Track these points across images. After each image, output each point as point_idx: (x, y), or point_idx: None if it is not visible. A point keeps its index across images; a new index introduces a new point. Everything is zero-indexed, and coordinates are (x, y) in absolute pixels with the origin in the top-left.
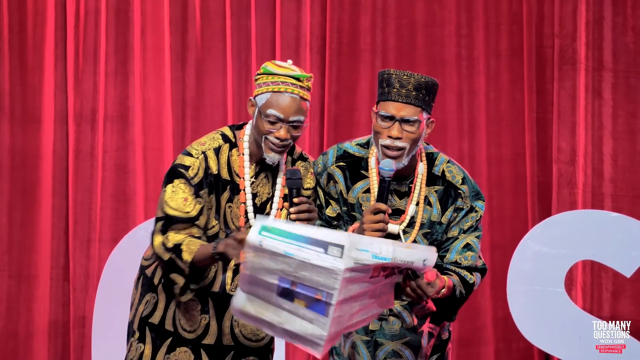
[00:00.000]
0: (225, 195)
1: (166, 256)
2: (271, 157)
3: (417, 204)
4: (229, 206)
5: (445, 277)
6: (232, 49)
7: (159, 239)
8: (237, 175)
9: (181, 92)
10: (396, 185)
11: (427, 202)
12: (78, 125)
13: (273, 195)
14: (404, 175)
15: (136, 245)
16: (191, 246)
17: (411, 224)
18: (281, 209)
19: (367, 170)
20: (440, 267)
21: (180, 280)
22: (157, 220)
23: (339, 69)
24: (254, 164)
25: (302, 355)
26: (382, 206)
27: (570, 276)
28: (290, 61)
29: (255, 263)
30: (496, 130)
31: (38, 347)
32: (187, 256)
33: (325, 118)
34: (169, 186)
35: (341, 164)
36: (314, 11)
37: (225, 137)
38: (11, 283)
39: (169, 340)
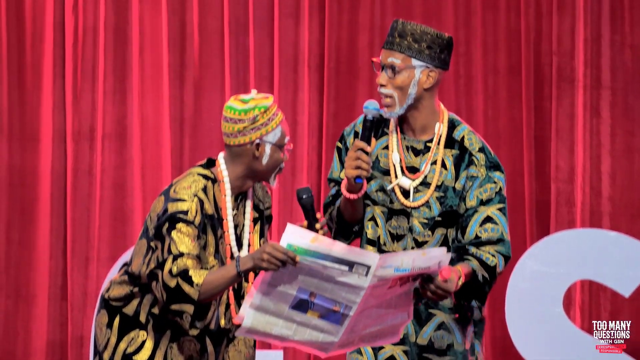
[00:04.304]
0: (219, 232)
1: (172, 282)
2: (275, 182)
3: (434, 163)
4: (221, 242)
5: (458, 266)
6: (230, 67)
7: (167, 266)
8: (220, 209)
9: (179, 110)
10: (413, 142)
11: (443, 165)
12: (76, 144)
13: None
14: (423, 133)
15: None
16: (200, 271)
17: (424, 183)
18: (252, 232)
19: (389, 128)
20: (459, 250)
21: (189, 308)
22: (160, 263)
23: (337, 87)
24: (233, 198)
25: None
26: (361, 144)
27: (569, 295)
28: (254, 90)
29: (277, 273)
30: (494, 148)
31: None
32: (197, 279)
33: (324, 136)
34: (173, 232)
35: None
36: (312, 29)
37: (205, 177)
38: (9, 303)
39: None
